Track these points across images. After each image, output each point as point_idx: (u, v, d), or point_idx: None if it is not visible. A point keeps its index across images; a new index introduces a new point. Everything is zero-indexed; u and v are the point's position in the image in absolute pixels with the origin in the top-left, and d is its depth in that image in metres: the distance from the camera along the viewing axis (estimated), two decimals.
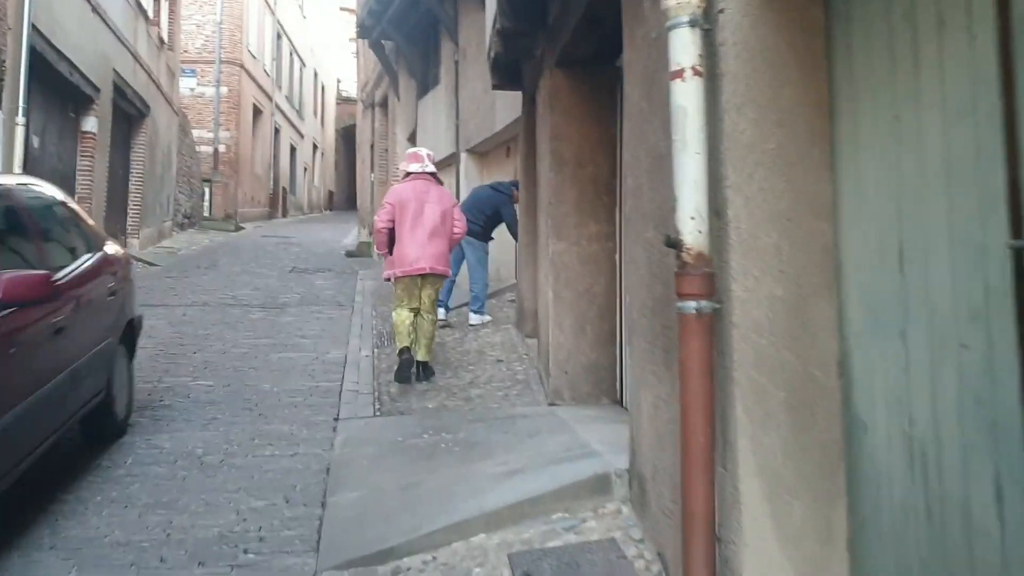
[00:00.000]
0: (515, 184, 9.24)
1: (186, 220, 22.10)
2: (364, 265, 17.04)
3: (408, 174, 6.71)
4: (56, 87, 12.50)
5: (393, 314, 6.66)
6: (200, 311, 10.03)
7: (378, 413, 5.70)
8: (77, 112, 13.66)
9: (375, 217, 6.65)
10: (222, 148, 25.98)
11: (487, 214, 9.21)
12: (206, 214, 25.05)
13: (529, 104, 7.68)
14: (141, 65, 16.40)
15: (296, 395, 6.19)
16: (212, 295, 11.49)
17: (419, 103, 15.40)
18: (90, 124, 13.81)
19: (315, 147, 39.71)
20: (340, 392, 6.27)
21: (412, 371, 6.43)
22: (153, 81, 17.35)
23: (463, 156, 12.69)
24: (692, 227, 2.40)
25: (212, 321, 9.33)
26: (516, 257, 9.86)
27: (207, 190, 25.59)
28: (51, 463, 4.51)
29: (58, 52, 11.83)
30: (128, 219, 16.80)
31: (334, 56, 42.27)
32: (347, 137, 41.94)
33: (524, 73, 7.94)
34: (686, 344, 2.38)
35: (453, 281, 8.82)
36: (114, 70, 14.63)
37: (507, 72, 7.90)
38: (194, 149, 23.32)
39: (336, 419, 5.54)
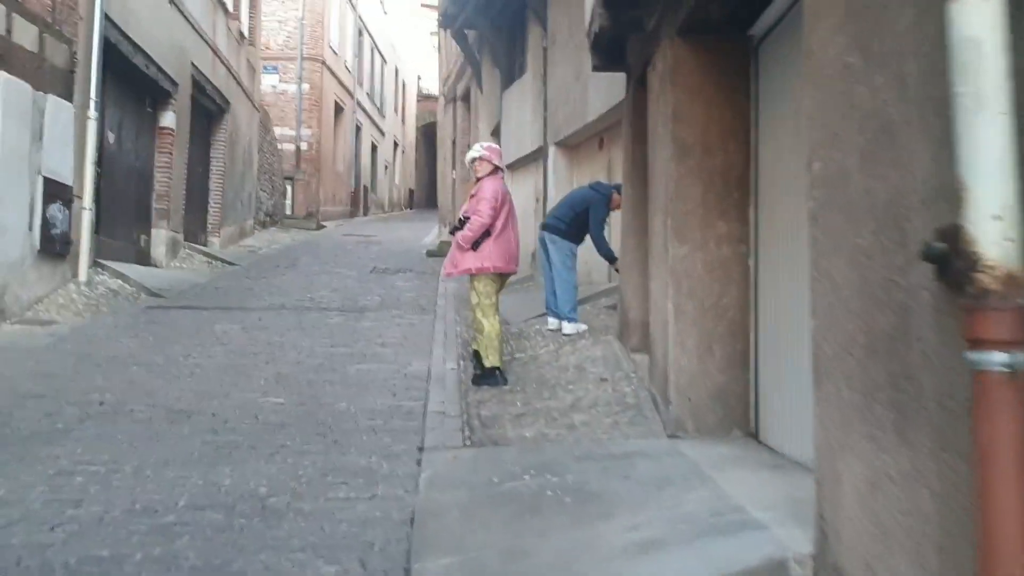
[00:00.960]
0: (618, 188, 8.36)
1: (268, 218, 21.86)
2: (440, 261, 16.44)
3: (496, 168, 6.63)
4: (132, 81, 12.13)
5: (484, 323, 6.35)
6: (276, 315, 9.44)
7: (468, 442, 4.91)
8: (155, 107, 13.32)
9: (479, 207, 6.38)
10: (304, 146, 25.73)
11: (576, 211, 8.38)
12: (288, 212, 24.83)
13: (636, 86, 6.80)
14: (220, 59, 16.05)
15: (375, 417, 5.45)
16: (289, 297, 10.93)
17: (503, 94, 14.63)
18: (168, 119, 13.46)
19: (396, 144, 39.45)
20: (424, 414, 5.50)
21: (503, 377, 6.32)
22: (233, 76, 17.01)
23: (552, 150, 11.86)
24: (996, 232, 1.51)
25: (288, 326, 8.71)
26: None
27: (289, 188, 25.39)
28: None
29: (133, 44, 11.44)
30: (209, 217, 16.50)
31: (414, 53, 41.94)
32: (427, 134, 41.58)
33: (629, 51, 7.06)
34: (989, 418, 1.50)
35: (570, 285, 8.01)
36: (192, 64, 14.27)
37: (610, 50, 7.03)
38: (276, 146, 23.08)
39: (421, 449, 4.77)
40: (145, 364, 6.88)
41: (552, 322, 8.13)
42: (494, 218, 6.29)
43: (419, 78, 43.81)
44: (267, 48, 25.61)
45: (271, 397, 5.90)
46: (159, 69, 12.63)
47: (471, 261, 6.36)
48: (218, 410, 5.53)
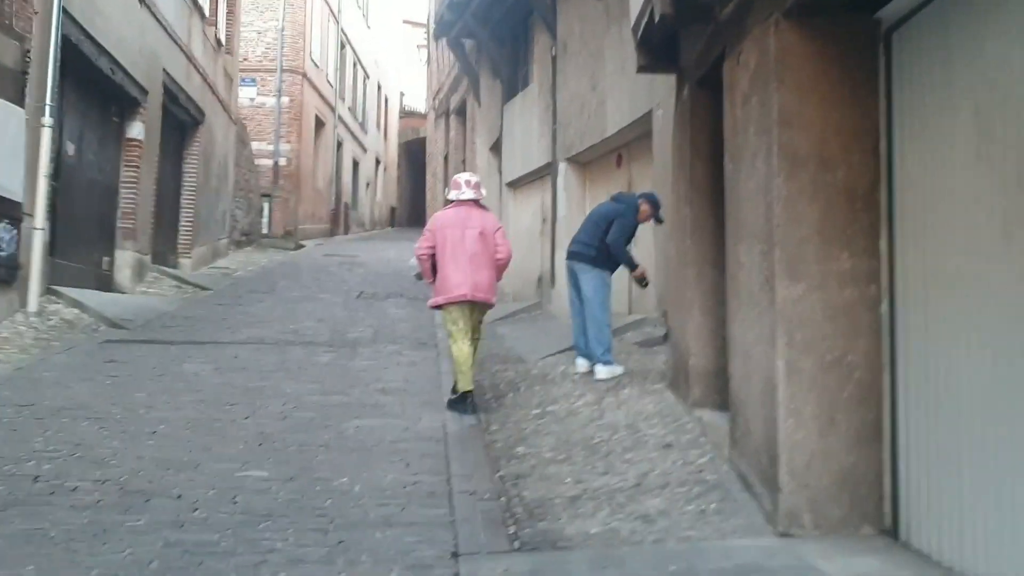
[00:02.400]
0: (649, 197, 7.26)
1: (243, 238, 20.57)
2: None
3: (448, 202, 6.68)
4: (96, 87, 10.91)
5: (452, 348, 6.34)
6: (255, 352, 8.22)
7: (517, 545, 3.73)
8: (121, 116, 12.08)
9: (415, 245, 6.75)
10: (283, 161, 24.50)
11: (603, 230, 7.20)
12: (265, 231, 23.55)
13: (695, 89, 5.69)
14: (195, 67, 14.86)
15: (388, 500, 4.27)
16: (270, 328, 9.70)
17: (505, 108, 13.54)
18: (136, 130, 12.22)
19: (378, 161, 38.27)
20: (450, 494, 4.33)
21: (473, 404, 6.14)
22: (209, 86, 15.81)
23: (562, 167, 10.76)
24: None
25: (269, 366, 7.50)
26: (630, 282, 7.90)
27: (266, 206, 24.13)
28: None
29: (98, 45, 10.23)
30: (180, 237, 15.24)
31: (398, 68, 40.93)
32: (410, 152, 40.51)
33: (683, 48, 5.98)
34: None
35: (603, 322, 6.90)
36: (164, 70, 13.06)
37: (661, 48, 5.95)
38: (253, 162, 21.84)
39: (455, 554, 3.59)
40: (98, 418, 5.64)
41: (581, 363, 6.98)
42: (426, 251, 6.42)
43: (402, 94, 42.75)
44: (245, 60, 24.41)
45: (253, 470, 4.69)
46: (127, 74, 11.41)
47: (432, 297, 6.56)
48: (186, 489, 4.33)
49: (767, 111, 3.99)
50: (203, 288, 13.17)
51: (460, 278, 6.22)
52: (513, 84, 13.29)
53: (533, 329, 9.71)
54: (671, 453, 4.79)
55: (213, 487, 4.36)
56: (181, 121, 14.89)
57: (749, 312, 4.23)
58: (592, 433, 5.27)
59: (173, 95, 13.70)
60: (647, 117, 8.55)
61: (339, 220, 30.90)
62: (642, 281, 7.30)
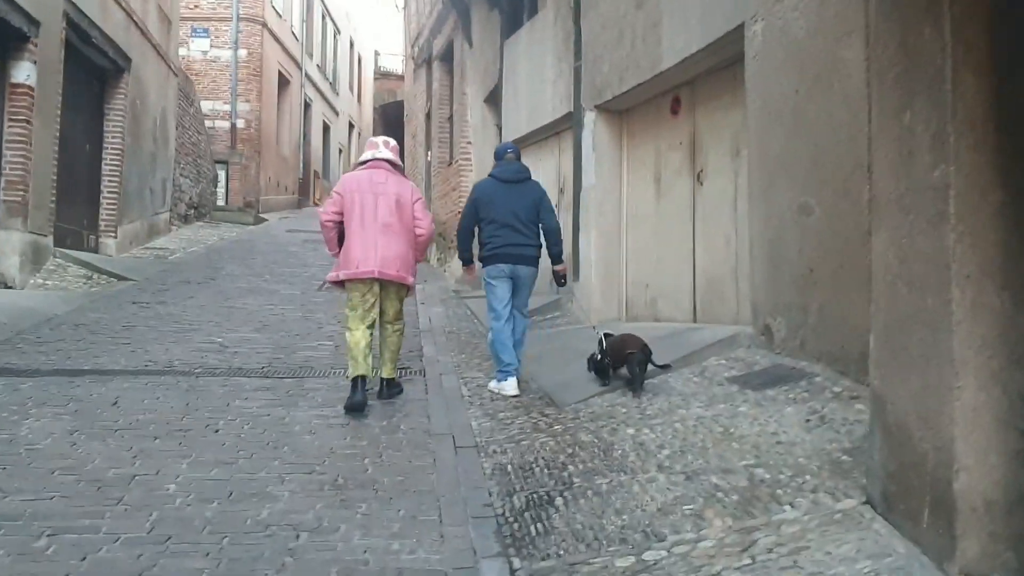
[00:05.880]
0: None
1: (192, 211, 17.63)
2: (421, 271, 12.41)
3: (362, 163, 5.73)
4: None
5: (346, 335, 5.41)
6: (148, 390, 5.45)
7: None
8: (3, 55, 9.15)
9: (319, 210, 6.02)
10: (240, 123, 21.51)
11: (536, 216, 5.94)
12: (221, 203, 20.60)
13: None
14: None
15: None
16: (187, 343, 6.92)
17: (505, 46, 10.68)
18: (23, 73, 9.30)
19: (351, 126, 35.23)
20: None
21: (364, 398, 5.12)
22: (136, 25, 12.79)
23: (589, 118, 7.98)
24: None
25: (159, 424, 4.74)
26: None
27: (223, 174, 21.15)
28: None
29: None
30: (101, 212, 12.31)
31: (372, 25, 37.71)
32: (386, 116, 37.33)
33: None
34: None
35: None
36: None
37: None
38: (202, 122, 18.82)
39: None
40: None
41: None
42: (331, 216, 5.53)
43: (377, 53, 39.49)
44: (196, 7, 21.34)
45: None
46: None
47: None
48: None
49: None
50: (122, 278, 10.33)
51: (368, 252, 5.35)
52: (516, 14, 10.41)
53: (557, 343, 6.99)
54: None
55: None
56: (97, 67, 11.91)
57: None
58: None
59: (83, 32, 10.74)
60: (731, 39, 5.82)
61: (308, 190, 27.97)
62: (563, 278, 6.11)
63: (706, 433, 4.15)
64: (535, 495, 3.64)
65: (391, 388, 5.54)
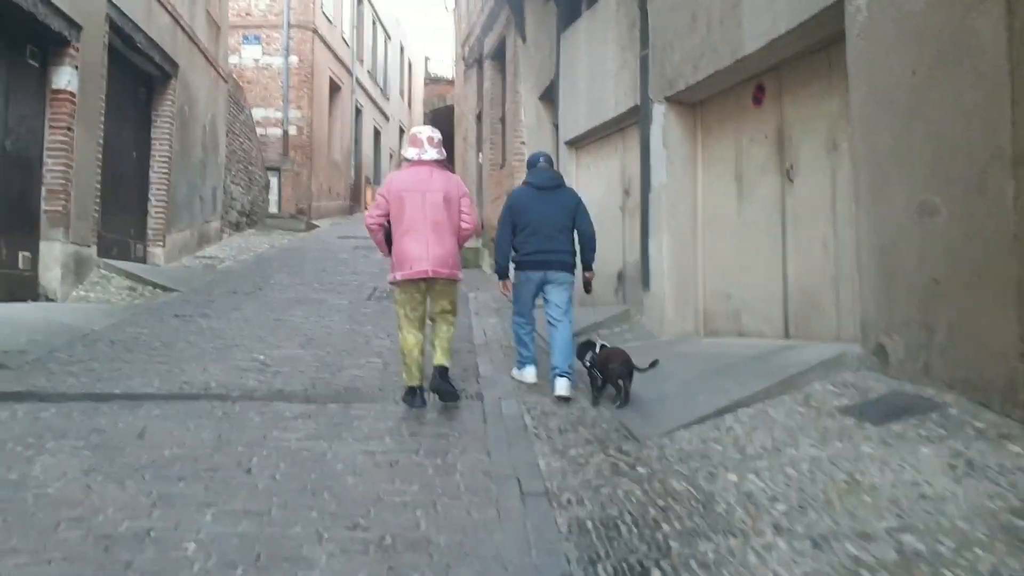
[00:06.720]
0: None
1: (243, 218, 17.32)
2: (472, 279, 11.84)
3: (406, 161, 5.67)
4: None
5: (399, 336, 5.50)
6: (179, 418, 4.92)
7: None
8: (43, 60, 8.80)
9: (366, 213, 6.06)
10: (292, 130, 21.22)
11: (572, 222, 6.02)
12: (273, 209, 20.32)
13: None
14: (162, 3, 11.50)
15: None
16: (227, 360, 6.42)
17: (561, 39, 10.03)
18: (64, 79, 8.95)
19: (402, 131, 34.86)
20: None
21: (423, 402, 5.27)
22: (184, 30, 12.45)
23: (658, 111, 7.29)
24: None
25: (194, 461, 4.20)
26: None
27: (275, 181, 20.88)
28: None
29: None
30: (149, 220, 11.97)
31: (421, 31, 37.43)
32: (436, 120, 36.92)
33: None
34: None
35: None
36: (109, 0, 9.74)
37: None
38: (253, 129, 18.51)
39: None
40: None
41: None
42: (377, 219, 5.54)
43: (427, 59, 39.22)
44: (248, 15, 21.16)
45: None
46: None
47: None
48: None
49: None
50: (167, 289, 9.92)
51: (420, 250, 5.35)
52: (574, 3, 9.72)
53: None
54: None
55: None
56: (144, 73, 11.59)
57: None
58: None
59: (127, 36, 10.39)
60: (828, 16, 5.10)
61: (360, 196, 27.66)
62: (589, 286, 6.20)
63: (827, 481, 3.44)
64: (625, 564, 2.97)
65: (445, 377, 5.46)
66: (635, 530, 3.30)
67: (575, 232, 5.95)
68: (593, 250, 6.01)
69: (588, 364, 5.56)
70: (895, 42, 4.53)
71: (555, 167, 6.25)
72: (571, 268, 5.92)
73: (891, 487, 3.22)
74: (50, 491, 3.72)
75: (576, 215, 5.94)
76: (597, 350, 5.55)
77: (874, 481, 3.30)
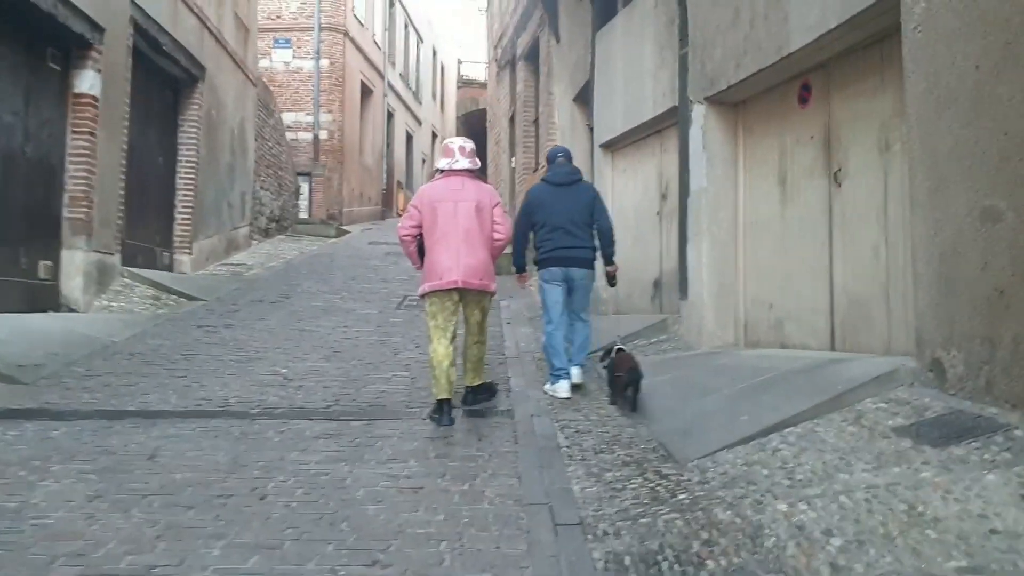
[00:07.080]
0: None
1: (273, 224, 17.19)
2: (505, 286, 11.50)
3: (438, 172, 5.63)
4: (9, 16, 7.50)
5: (429, 347, 5.33)
6: (198, 436, 4.69)
7: None
8: (65, 63, 8.66)
9: (398, 224, 5.78)
10: (323, 134, 21.09)
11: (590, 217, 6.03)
12: (303, 215, 20.20)
13: None
14: (188, 5, 11.37)
15: None
16: (248, 376, 6.19)
17: (596, 38, 9.72)
18: (87, 83, 8.78)
19: (434, 135, 34.76)
20: None
21: (451, 420, 5.06)
22: (211, 32, 12.32)
23: (698, 112, 6.95)
24: None
25: (206, 487, 3.95)
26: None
27: (305, 186, 20.76)
28: None
29: None
30: (176, 227, 11.83)
31: (453, 34, 37.24)
32: (469, 124, 36.75)
33: None
34: None
35: None
36: (133, 2, 9.61)
37: None
38: (283, 133, 18.41)
39: None
40: None
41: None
42: (410, 231, 5.48)
43: (460, 62, 39.04)
44: (278, 18, 21.09)
45: None
46: (63, 1, 7.99)
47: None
48: None
49: None
50: (192, 298, 9.75)
51: (451, 261, 5.29)
52: (609, 2, 9.43)
53: (667, 375, 5.95)
54: None
55: None
56: (170, 76, 11.44)
57: None
58: None
59: (152, 39, 10.26)
60: (882, 8, 4.76)
61: (392, 201, 27.51)
62: (613, 279, 6.22)
63: (886, 512, 3.10)
64: None
65: (477, 395, 5.53)
66: (677, 567, 2.98)
67: (594, 227, 5.98)
68: (612, 243, 6.04)
69: (605, 366, 5.73)
70: (957, 34, 4.17)
71: (573, 162, 6.32)
72: (591, 264, 5.96)
73: (957, 520, 2.88)
74: (50, 521, 3.49)
75: (594, 210, 5.96)
76: (614, 353, 5.64)
77: (937, 513, 2.96)
